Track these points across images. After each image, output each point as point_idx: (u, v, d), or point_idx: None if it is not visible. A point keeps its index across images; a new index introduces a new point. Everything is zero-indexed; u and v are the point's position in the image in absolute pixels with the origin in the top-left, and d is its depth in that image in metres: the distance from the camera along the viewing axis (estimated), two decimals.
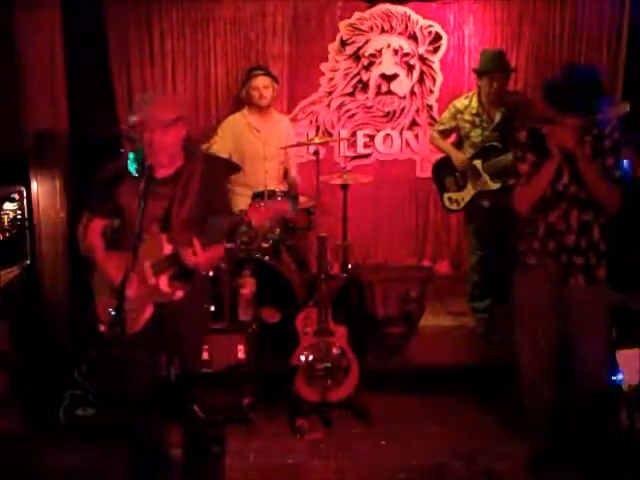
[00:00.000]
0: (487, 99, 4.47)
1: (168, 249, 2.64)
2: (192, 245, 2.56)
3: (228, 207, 2.91)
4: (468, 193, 4.59)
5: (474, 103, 4.51)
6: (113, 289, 2.65)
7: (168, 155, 2.71)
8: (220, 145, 4.74)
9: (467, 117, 4.53)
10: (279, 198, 4.14)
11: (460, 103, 4.58)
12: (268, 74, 4.72)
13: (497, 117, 4.48)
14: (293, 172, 4.92)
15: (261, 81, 4.67)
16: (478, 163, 4.51)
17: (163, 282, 2.64)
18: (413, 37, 5.45)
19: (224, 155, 4.73)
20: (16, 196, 3.93)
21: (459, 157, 4.57)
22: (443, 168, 4.73)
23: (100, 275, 2.79)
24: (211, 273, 3.80)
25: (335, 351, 3.79)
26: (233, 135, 4.76)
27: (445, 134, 4.72)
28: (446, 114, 4.67)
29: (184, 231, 2.70)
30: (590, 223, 2.99)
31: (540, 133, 3.01)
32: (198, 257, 2.56)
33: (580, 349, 3.04)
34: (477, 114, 4.50)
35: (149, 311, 2.71)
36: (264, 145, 4.72)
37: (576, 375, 3.08)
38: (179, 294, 2.68)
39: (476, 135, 4.52)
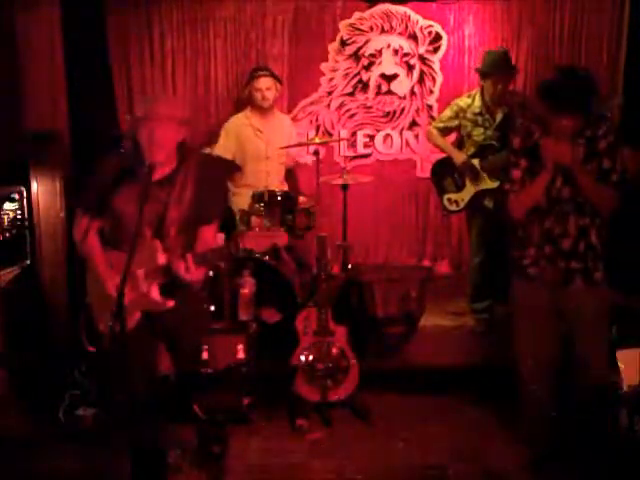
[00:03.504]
0: (491, 99, 4.47)
1: (162, 259, 2.64)
2: (185, 259, 2.57)
3: (222, 211, 2.94)
4: (467, 193, 4.60)
5: (477, 102, 4.51)
6: (105, 289, 2.67)
7: (164, 155, 2.68)
8: (224, 146, 4.75)
9: (470, 116, 4.53)
10: (277, 227, 4.05)
11: (463, 102, 4.58)
12: (271, 75, 4.72)
13: (499, 117, 4.48)
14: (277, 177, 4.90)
15: (264, 82, 4.67)
16: (476, 162, 4.52)
17: (154, 291, 2.65)
18: (413, 37, 5.45)
19: (228, 156, 4.73)
20: (16, 196, 3.93)
21: (460, 157, 4.57)
22: (441, 170, 4.73)
23: (94, 274, 2.79)
24: (211, 273, 3.81)
25: (335, 351, 3.80)
26: (236, 135, 4.76)
27: (444, 132, 4.71)
28: (447, 112, 4.66)
29: (177, 235, 2.73)
30: (587, 226, 2.98)
31: (533, 138, 3.01)
32: (191, 274, 2.58)
33: (580, 351, 3.04)
34: (480, 113, 4.50)
35: (137, 316, 2.71)
36: (266, 145, 4.73)
37: (576, 376, 3.08)
38: (169, 304, 2.68)
39: (478, 134, 4.52)
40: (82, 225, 2.80)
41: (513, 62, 4.78)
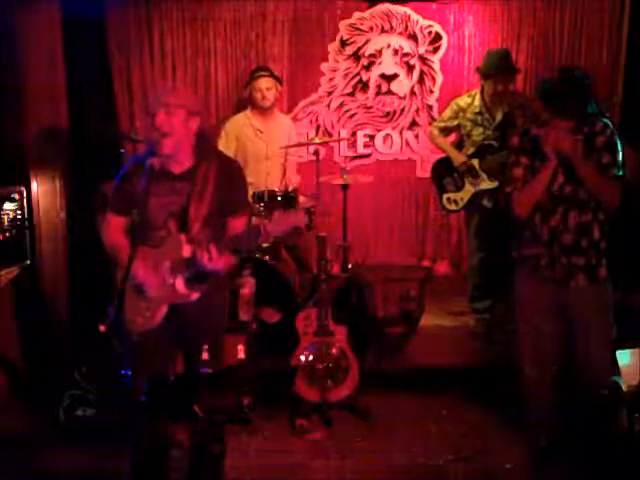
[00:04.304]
0: (490, 99, 4.47)
1: (187, 251, 2.65)
2: (209, 249, 2.58)
3: (246, 203, 2.94)
4: (467, 193, 4.60)
5: (477, 102, 4.51)
6: (137, 286, 2.69)
7: (174, 143, 2.68)
8: (224, 146, 4.74)
9: (469, 115, 4.52)
10: (296, 209, 4.01)
11: (463, 101, 4.58)
12: (271, 75, 4.72)
13: (499, 116, 4.48)
14: (287, 173, 4.89)
15: (264, 82, 4.67)
16: (475, 162, 4.52)
17: (180, 283, 2.67)
18: (413, 37, 5.45)
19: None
20: (16, 196, 3.93)
21: (459, 158, 4.57)
22: (441, 169, 4.73)
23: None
24: None
25: (335, 351, 3.79)
26: (236, 136, 4.76)
27: (445, 132, 4.71)
28: (448, 112, 4.66)
29: (202, 228, 2.73)
30: (590, 223, 2.99)
31: (531, 135, 3.01)
32: (214, 263, 2.59)
33: (582, 349, 3.04)
34: (479, 113, 4.49)
35: (163, 310, 2.73)
36: (267, 145, 4.73)
37: (577, 375, 3.08)
38: (195, 296, 2.70)
39: (478, 134, 4.51)
40: (107, 221, 2.84)
41: (513, 62, 4.77)
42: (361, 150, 5.61)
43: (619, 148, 2.95)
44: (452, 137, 4.78)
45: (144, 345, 2.73)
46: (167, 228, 2.73)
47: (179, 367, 3.00)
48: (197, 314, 2.77)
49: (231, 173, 2.84)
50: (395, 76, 5.50)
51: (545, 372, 3.13)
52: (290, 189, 4.55)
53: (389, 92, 5.53)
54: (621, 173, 2.94)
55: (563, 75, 2.94)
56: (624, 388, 3.23)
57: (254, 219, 2.95)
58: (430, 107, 5.54)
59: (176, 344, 2.90)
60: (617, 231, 3.13)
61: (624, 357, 3.30)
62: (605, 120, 2.99)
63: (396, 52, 5.47)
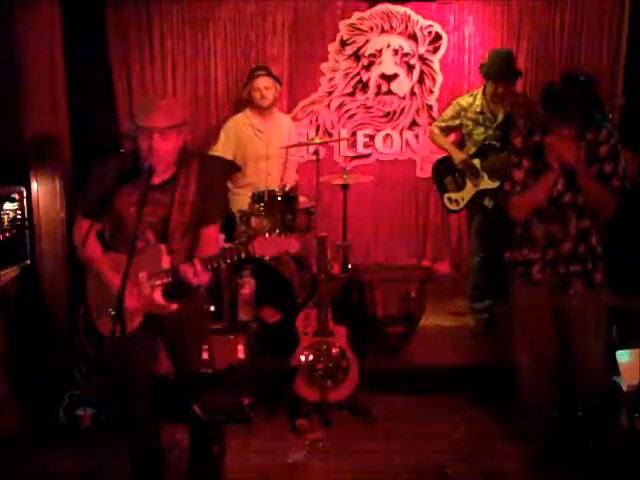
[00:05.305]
0: (492, 99, 4.46)
1: (167, 262, 2.63)
2: (193, 264, 2.56)
3: (224, 210, 2.91)
4: (468, 192, 4.59)
5: (478, 101, 4.50)
6: (107, 290, 2.65)
7: (166, 162, 2.68)
8: (224, 147, 4.74)
9: (471, 115, 4.51)
10: (288, 235, 3.98)
11: (465, 101, 4.57)
12: (270, 75, 4.72)
13: (500, 116, 4.47)
14: (286, 173, 4.88)
15: (262, 82, 4.67)
16: (477, 162, 4.51)
17: (158, 294, 2.63)
18: (413, 37, 5.44)
19: (228, 156, 4.73)
20: (16, 196, 3.93)
21: (459, 156, 4.57)
22: (442, 168, 4.72)
23: (94, 276, 2.78)
24: None
25: (335, 351, 3.80)
26: (236, 135, 4.76)
27: (446, 131, 4.70)
28: (449, 111, 4.66)
29: (182, 238, 2.72)
30: (588, 229, 2.98)
31: (535, 139, 2.99)
32: (199, 277, 2.57)
33: (580, 352, 3.04)
34: (481, 112, 4.49)
35: (138, 320, 2.70)
36: (267, 145, 4.72)
37: (576, 377, 3.08)
38: (173, 307, 2.67)
39: (479, 133, 4.51)
40: (82, 229, 2.78)
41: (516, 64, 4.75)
42: (361, 150, 5.61)
43: (621, 157, 2.93)
44: (452, 137, 4.78)
45: (125, 347, 2.69)
46: (145, 239, 2.69)
47: (164, 365, 2.98)
48: (175, 322, 2.76)
49: (212, 182, 2.81)
50: (395, 76, 5.50)
51: (541, 374, 3.13)
52: (287, 189, 4.54)
53: (389, 92, 5.52)
54: (621, 183, 2.92)
55: (566, 81, 2.89)
56: (624, 388, 3.23)
57: (240, 238, 2.88)
58: (430, 107, 5.53)
59: (156, 344, 2.88)
60: (617, 235, 3.13)
61: (624, 357, 3.30)
62: (609, 127, 2.97)
63: (396, 52, 5.46)
